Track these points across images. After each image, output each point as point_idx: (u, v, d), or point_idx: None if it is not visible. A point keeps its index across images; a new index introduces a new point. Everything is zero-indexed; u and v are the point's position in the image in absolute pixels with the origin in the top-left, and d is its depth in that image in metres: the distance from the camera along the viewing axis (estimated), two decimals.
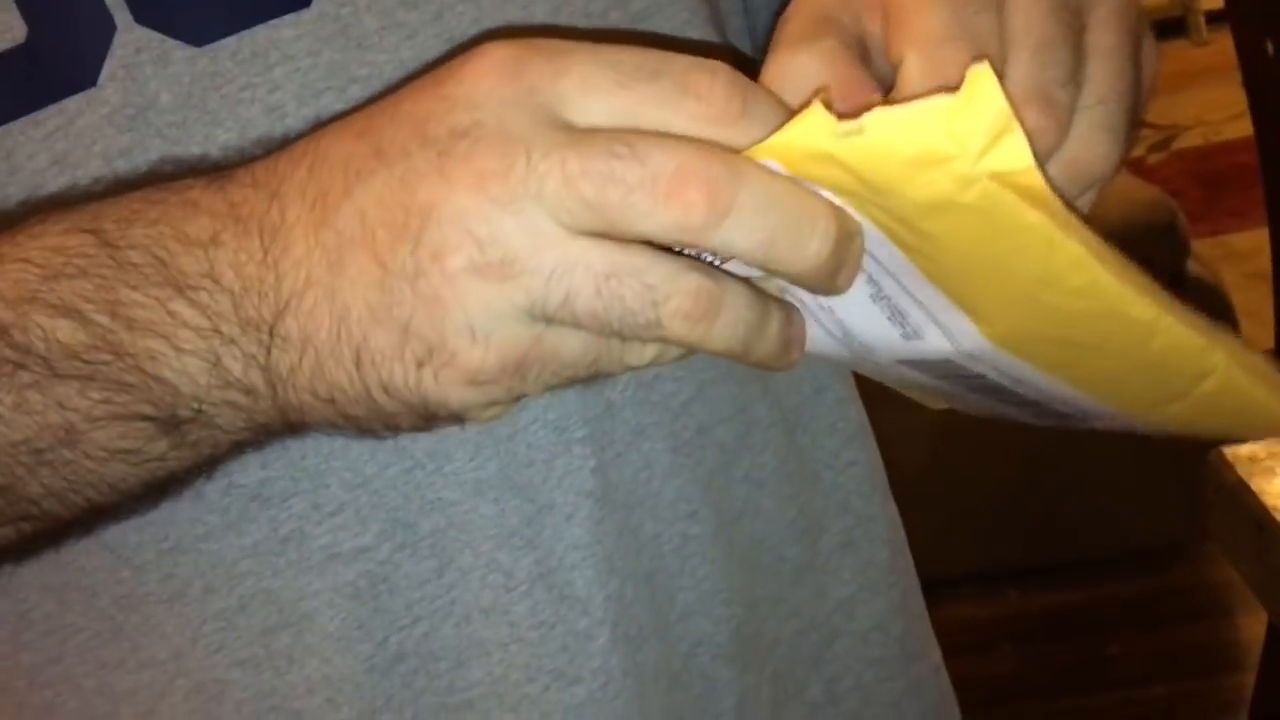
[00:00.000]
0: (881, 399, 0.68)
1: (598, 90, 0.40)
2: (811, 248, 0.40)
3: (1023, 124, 0.37)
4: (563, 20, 0.54)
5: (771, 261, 0.40)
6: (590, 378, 0.43)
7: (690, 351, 0.43)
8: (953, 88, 0.37)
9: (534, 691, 0.55)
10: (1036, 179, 0.37)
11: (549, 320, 0.41)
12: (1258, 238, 1.99)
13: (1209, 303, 2.27)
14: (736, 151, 0.40)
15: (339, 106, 0.51)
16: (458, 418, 0.43)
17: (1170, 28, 5.30)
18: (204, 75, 0.50)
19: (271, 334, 0.42)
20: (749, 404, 0.60)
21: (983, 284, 0.41)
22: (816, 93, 0.41)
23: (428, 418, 0.43)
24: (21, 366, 0.43)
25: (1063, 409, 0.48)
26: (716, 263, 0.42)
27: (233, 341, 0.43)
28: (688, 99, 0.40)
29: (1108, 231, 0.41)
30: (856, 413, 0.66)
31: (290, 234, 0.42)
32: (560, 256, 0.40)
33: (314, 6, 0.51)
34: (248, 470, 0.52)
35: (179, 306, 0.43)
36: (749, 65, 0.43)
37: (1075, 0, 0.44)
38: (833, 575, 0.64)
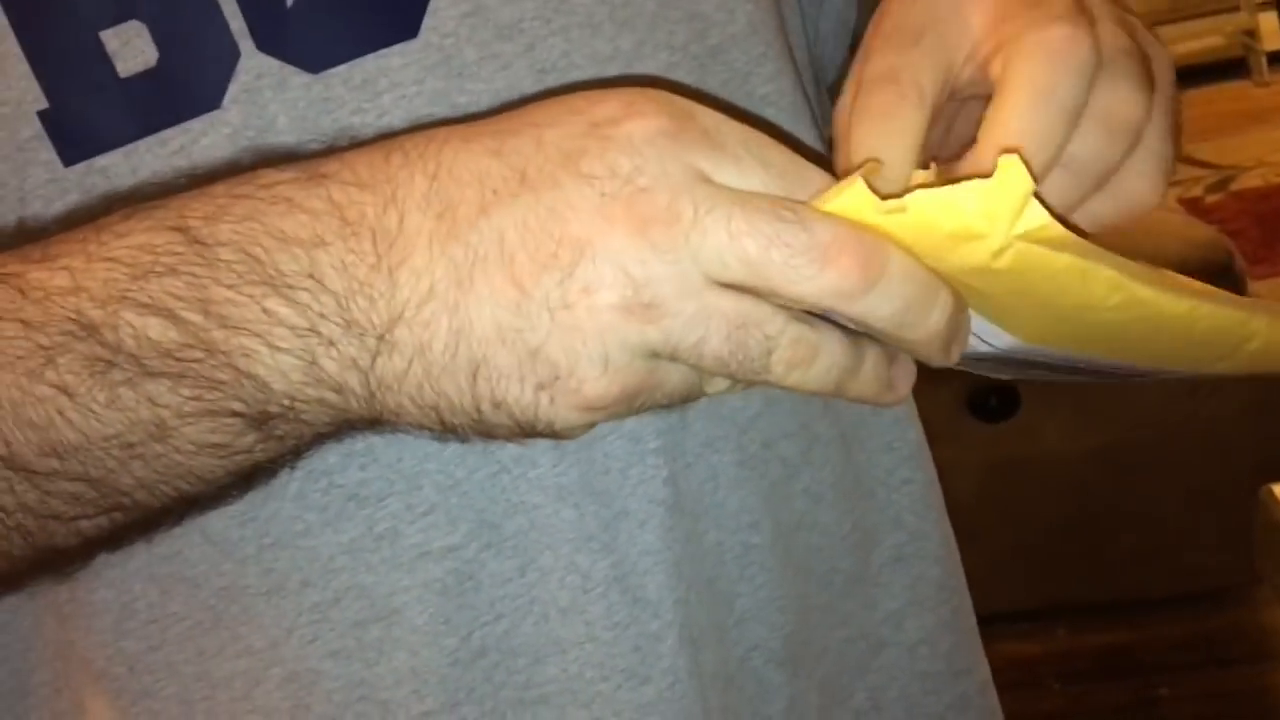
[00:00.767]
0: (932, 435, 0.70)
1: (746, 176, 0.43)
2: (934, 317, 0.43)
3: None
4: (646, 51, 0.56)
5: (902, 328, 0.43)
6: (676, 405, 0.46)
7: (784, 390, 0.45)
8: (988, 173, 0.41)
9: (607, 690, 0.58)
10: (1057, 229, 0.41)
11: (672, 358, 0.43)
12: None
13: None
14: None
15: None
16: (556, 435, 0.45)
17: (1231, 68, 5.27)
18: (318, 100, 0.53)
19: (380, 339, 0.43)
20: (810, 421, 0.63)
21: (1033, 320, 0.46)
22: (863, 166, 0.44)
23: (528, 434, 0.45)
24: (113, 364, 0.44)
25: (1119, 370, 0.52)
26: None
27: (332, 343, 0.43)
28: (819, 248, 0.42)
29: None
30: (915, 433, 0.68)
31: (411, 243, 0.43)
32: (700, 304, 0.42)
33: (420, 37, 0.53)
34: (347, 471, 0.55)
35: (275, 305, 0.43)
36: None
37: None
38: (883, 588, 0.66)
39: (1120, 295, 0.43)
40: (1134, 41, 0.49)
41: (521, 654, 0.57)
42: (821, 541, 0.64)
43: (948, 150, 0.51)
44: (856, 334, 0.45)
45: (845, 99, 0.49)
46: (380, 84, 0.53)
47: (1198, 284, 0.45)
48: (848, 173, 0.45)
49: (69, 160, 0.52)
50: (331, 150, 0.47)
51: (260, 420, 0.45)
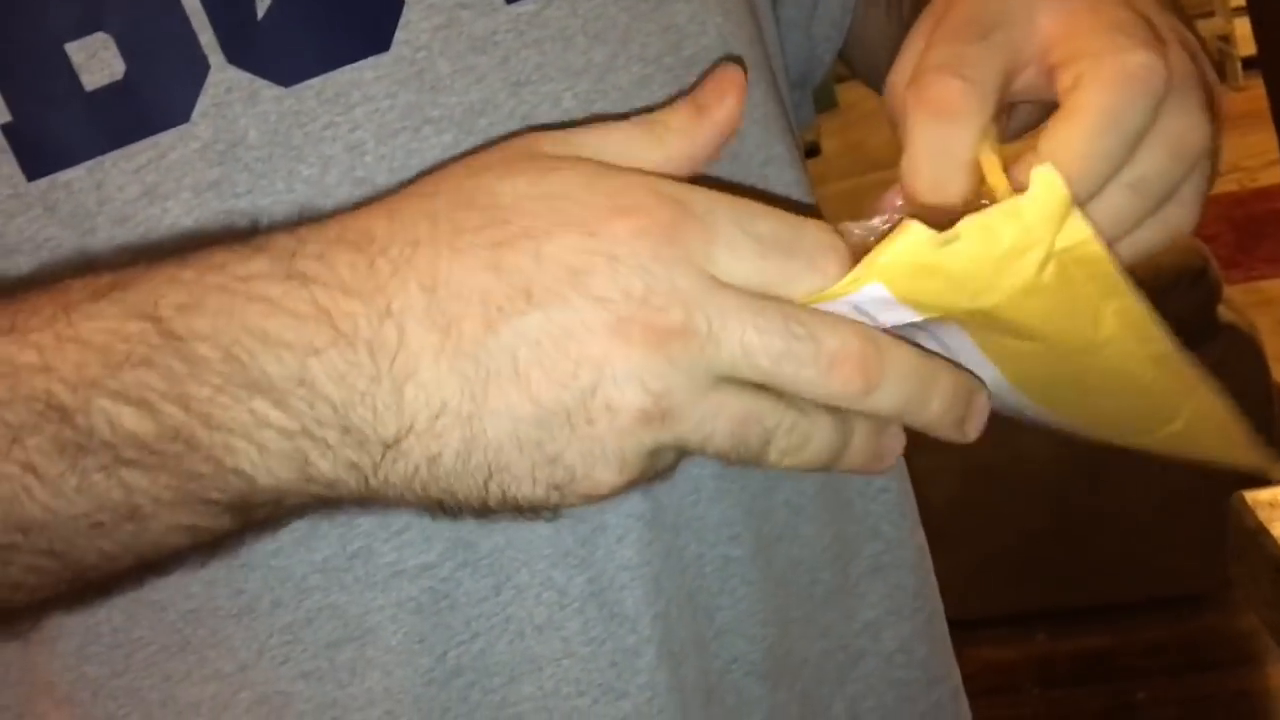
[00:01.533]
0: (909, 441, 0.69)
1: (742, 259, 0.44)
2: (934, 405, 0.46)
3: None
4: (620, 63, 0.56)
5: (906, 417, 0.46)
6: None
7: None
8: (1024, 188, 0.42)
9: (583, 705, 0.57)
10: (1099, 249, 0.42)
11: (675, 450, 0.45)
12: None
13: (1241, 349, 2.26)
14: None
15: (414, 145, 0.53)
16: (554, 516, 0.46)
17: None
18: (290, 114, 0.52)
19: (388, 448, 0.44)
20: None
21: (1026, 355, 0.47)
22: (904, 216, 0.45)
23: (527, 516, 0.46)
24: (85, 450, 0.44)
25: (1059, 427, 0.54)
26: None
27: (329, 446, 0.44)
28: (815, 275, 0.45)
29: (1138, 277, 0.44)
30: None
31: (416, 357, 0.43)
32: (708, 405, 0.44)
33: (393, 50, 0.53)
34: None
35: (263, 407, 0.43)
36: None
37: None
38: (861, 599, 0.66)
39: (1114, 348, 0.45)
40: (1198, 67, 0.50)
41: (497, 672, 0.57)
42: (802, 553, 0.64)
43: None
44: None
45: (899, 77, 0.49)
46: (353, 97, 0.53)
47: (1177, 358, 0.47)
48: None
49: (32, 175, 0.51)
50: (297, 225, 0.46)
51: (240, 507, 0.45)
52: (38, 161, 0.51)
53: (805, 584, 0.64)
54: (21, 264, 0.52)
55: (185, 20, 0.51)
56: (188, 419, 0.43)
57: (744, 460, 0.46)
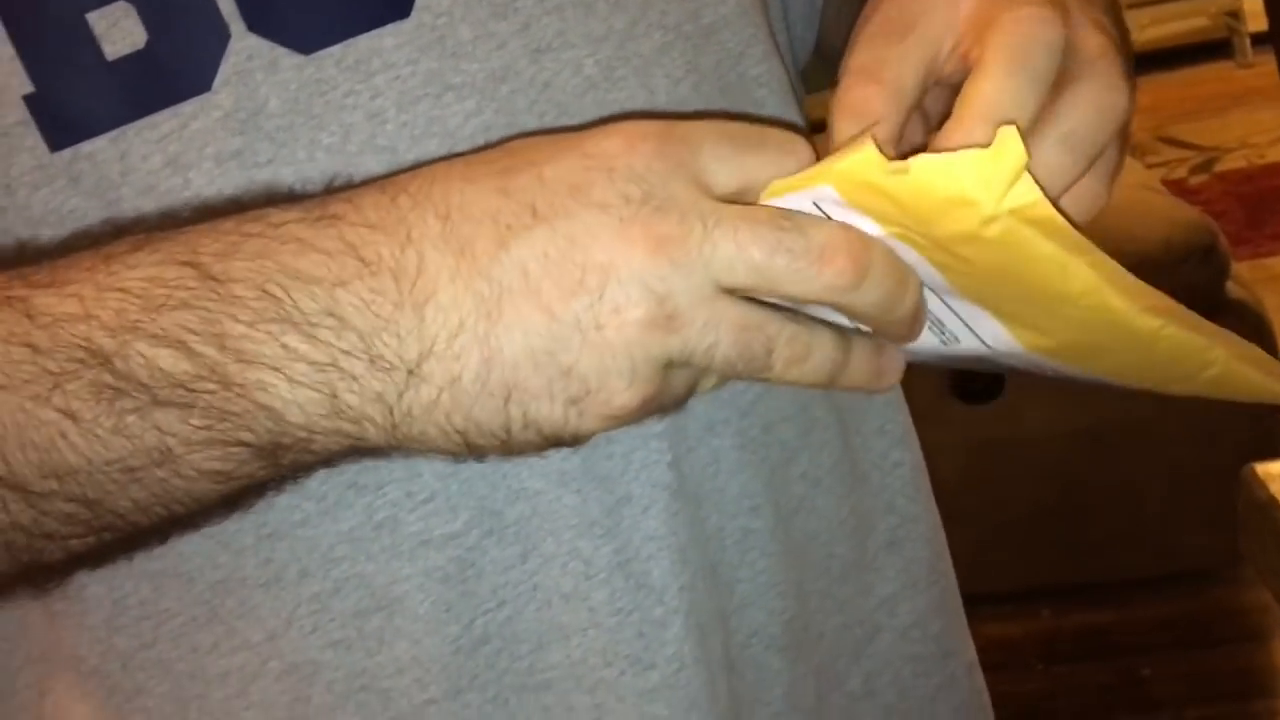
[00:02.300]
0: (916, 417, 0.70)
1: (724, 160, 0.46)
2: (907, 302, 0.47)
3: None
4: (640, 31, 0.57)
5: (884, 313, 0.47)
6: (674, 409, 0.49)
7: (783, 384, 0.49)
8: (985, 144, 0.43)
9: (610, 676, 0.58)
10: (1047, 209, 0.43)
11: (685, 364, 0.46)
12: None
13: (1249, 325, 2.26)
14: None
15: (436, 112, 0.54)
16: (575, 443, 0.47)
17: (1215, 49, 5.27)
18: (310, 82, 0.52)
19: (410, 374, 0.45)
20: (809, 404, 0.63)
21: (1011, 299, 0.48)
22: (870, 128, 0.47)
23: (552, 446, 0.47)
24: (122, 392, 0.45)
25: (1091, 380, 0.54)
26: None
27: (355, 378, 0.45)
28: (788, 157, 0.47)
29: (1147, 252, 0.44)
30: (904, 417, 0.69)
31: (434, 280, 0.45)
32: (711, 311, 0.45)
33: (413, 17, 0.53)
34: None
35: (294, 341, 0.45)
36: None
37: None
38: (878, 573, 0.67)
39: (1093, 299, 0.45)
40: (1111, 41, 0.51)
41: (524, 640, 0.57)
42: (819, 527, 0.64)
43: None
44: (842, 329, 0.49)
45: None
46: (373, 64, 0.53)
47: (1170, 302, 0.47)
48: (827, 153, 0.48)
49: (56, 145, 0.52)
50: (330, 190, 0.48)
51: (269, 450, 0.46)
52: (61, 132, 0.52)
53: (823, 557, 0.64)
54: (46, 236, 0.53)
55: None
56: (222, 357, 0.45)
57: (750, 372, 0.47)
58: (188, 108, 0.52)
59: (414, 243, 0.45)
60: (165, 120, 0.52)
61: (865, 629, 0.67)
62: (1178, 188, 3.95)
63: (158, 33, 0.51)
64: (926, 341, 0.51)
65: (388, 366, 0.45)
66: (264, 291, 0.45)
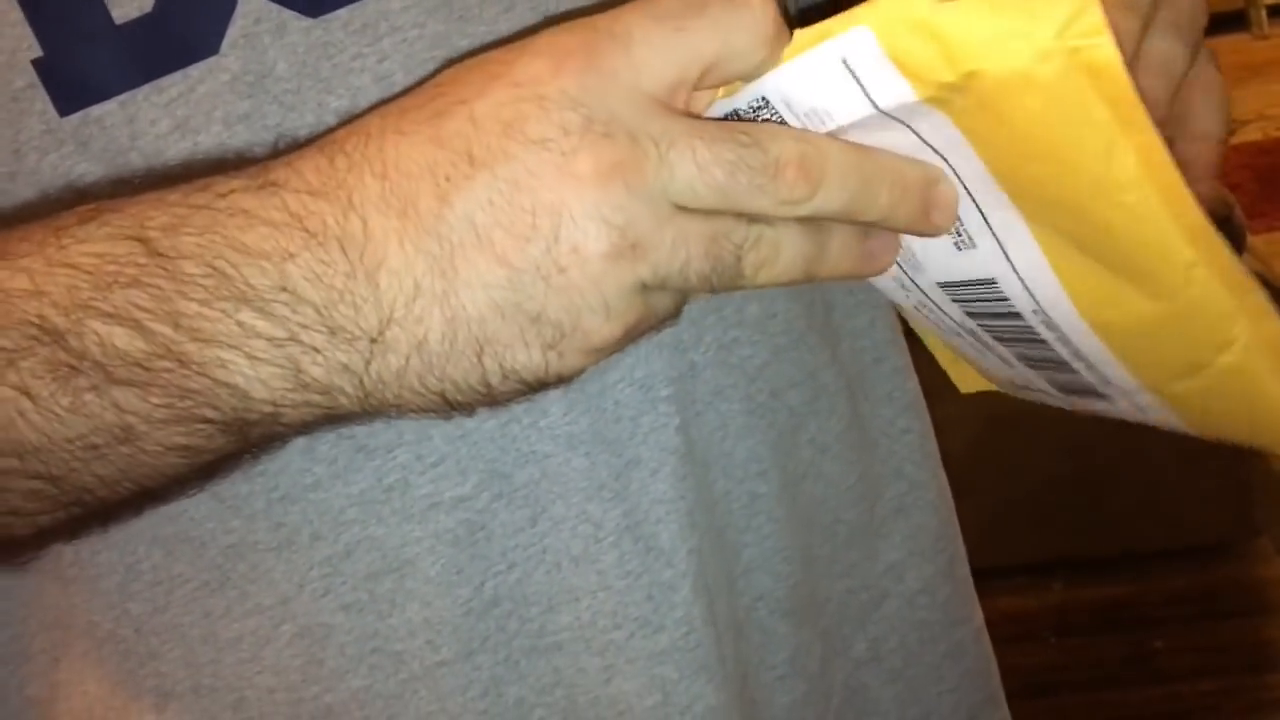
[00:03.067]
0: (929, 390, 0.70)
1: (662, 46, 0.43)
2: (882, 198, 0.45)
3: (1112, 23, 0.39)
4: None
5: (857, 215, 0.45)
6: (663, 326, 0.47)
7: (761, 287, 0.47)
8: None
9: (620, 638, 0.58)
10: (1111, 51, 0.38)
11: (661, 287, 0.44)
12: None
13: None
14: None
15: None
16: (564, 382, 0.45)
17: (1230, 21, 5.23)
18: (318, 45, 0.52)
19: (373, 343, 0.44)
20: (818, 370, 0.63)
21: (1042, 187, 0.43)
22: None
23: (538, 390, 0.45)
24: (78, 370, 0.44)
25: (1084, 376, 0.50)
26: None
27: (317, 350, 0.44)
28: (735, 16, 0.44)
29: None
30: (912, 384, 0.69)
31: (382, 245, 0.43)
32: (676, 230, 0.43)
33: None
34: None
35: (249, 318, 0.43)
36: None
37: None
38: (885, 539, 0.67)
39: (1132, 195, 0.41)
40: None
41: (534, 603, 0.58)
42: (826, 492, 0.64)
43: None
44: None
45: None
46: (380, 28, 0.53)
47: (1212, 232, 0.42)
48: None
49: (65, 110, 0.51)
50: (276, 153, 0.47)
51: (235, 426, 0.45)
52: (70, 97, 0.51)
53: (829, 523, 0.65)
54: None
55: None
56: (177, 335, 0.44)
57: (726, 283, 0.45)
58: (196, 71, 0.51)
59: (356, 208, 0.43)
60: (173, 84, 0.51)
61: (872, 595, 0.67)
62: None
63: None
64: (937, 243, 0.48)
65: (350, 337, 0.44)
66: (213, 269, 0.43)
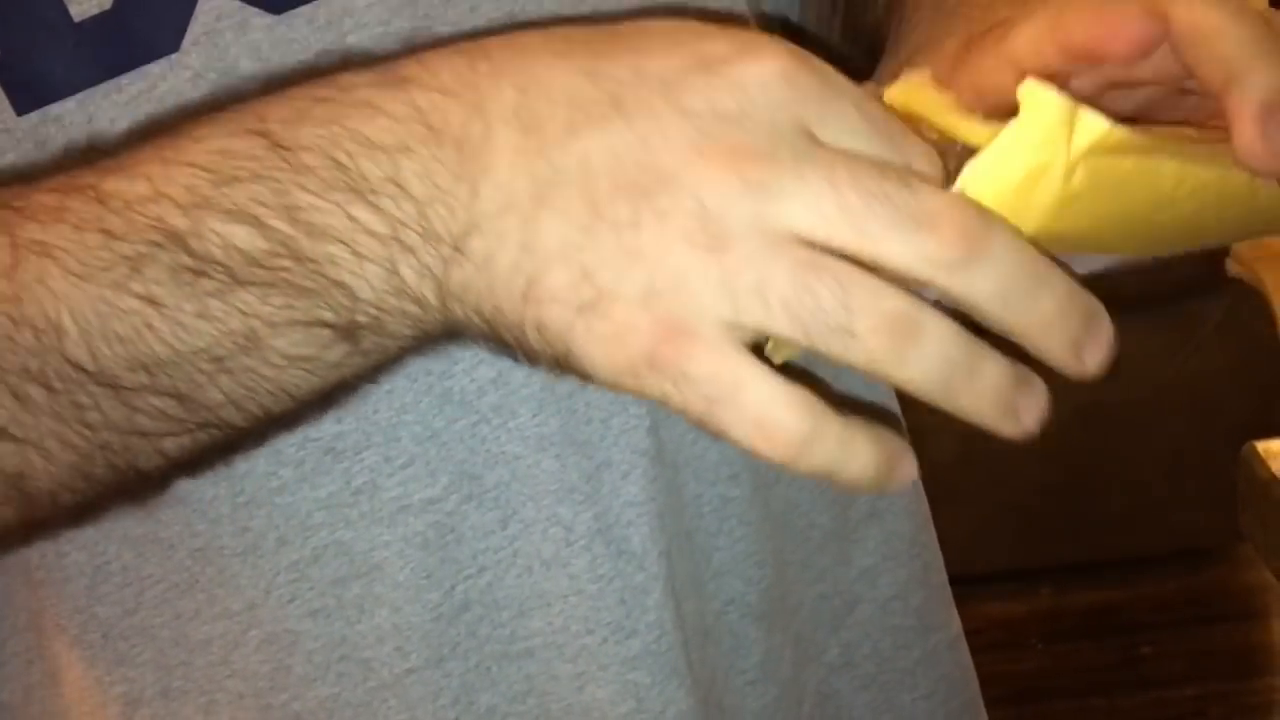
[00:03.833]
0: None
1: (849, 131, 0.41)
2: (1044, 302, 0.40)
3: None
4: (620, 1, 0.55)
5: (1007, 309, 0.40)
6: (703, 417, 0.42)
7: (879, 379, 0.41)
8: (1008, 115, 0.41)
9: (592, 644, 0.57)
10: (1117, 132, 0.41)
11: (734, 314, 0.40)
12: None
13: (1248, 303, 2.25)
14: None
15: None
16: (588, 376, 0.43)
17: None
18: (282, 41, 0.52)
19: (455, 248, 0.42)
20: None
21: (1109, 239, 0.46)
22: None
23: (563, 367, 0.43)
24: (201, 274, 0.43)
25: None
26: None
27: (411, 250, 0.43)
28: (916, 163, 0.42)
29: None
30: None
31: (495, 155, 0.42)
32: (770, 242, 0.40)
33: None
34: (322, 424, 0.54)
35: (360, 211, 0.42)
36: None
37: None
38: (858, 544, 0.67)
39: (1188, 184, 0.44)
40: None
41: (505, 607, 0.57)
42: (799, 496, 0.64)
43: None
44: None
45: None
46: (345, 25, 0.52)
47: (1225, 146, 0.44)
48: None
49: (21, 109, 0.51)
50: (411, 50, 0.46)
51: (348, 330, 0.44)
52: (27, 95, 0.51)
53: (802, 527, 0.64)
54: None
55: None
56: (293, 231, 0.43)
57: (823, 336, 0.39)
58: (156, 68, 0.51)
59: (483, 114, 0.42)
60: (133, 82, 0.51)
61: (845, 599, 0.66)
62: None
63: None
64: None
65: (437, 239, 0.42)
66: (332, 159, 0.43)
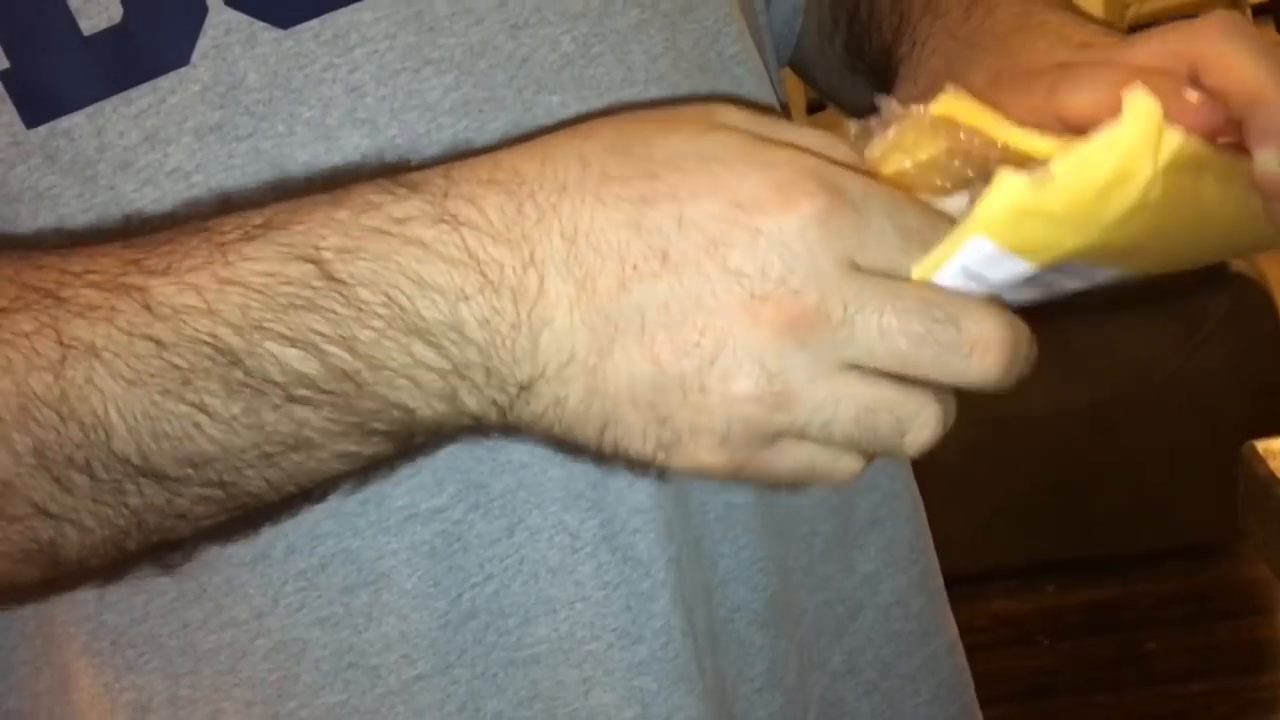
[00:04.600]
0: None
1: (886, 248, 0.45)
2: (1019, 368, 0.46)
3: None
4: (617, 7, 0.56)
5: (999, 385, 0.46)
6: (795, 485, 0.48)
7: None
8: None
9: (598, 649, 0.58)
10: (1194, 143, 0.43)
11: (799, 437, 0.45)
12: None
13: (1252, 298, 2.25)
14: None
15: (415, 86, 0.53)
16: (663, 475, 0.49)
17: None
18: (289, 56, 0.52)
19: (521, 389, 0.46)
20: None
21: (1163, 245, 0.48)
22: (895, 111, 0.47)
23: (641, 471, 0.48)
24: (257, 391, 0.46)
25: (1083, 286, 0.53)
26: None
27: (476, 387, 0.46)
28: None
29: None
30: None
31: (553, 307, 0.45)
32: (830, 389, 0.44)
33: None
34: None
35: (420, 350, 0.45)
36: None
37: None
38: (860, 551, 0.67)
39: (1221, 204, 0.46)
40: None
41: (512, 614, 0.57)
42: (802, 503, 0.64)
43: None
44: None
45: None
46: (351, 39, 0.53)
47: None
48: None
49: (31, 122, 0.51)
50: (447, 169, 0.47)
51: (403, 436, 0.48)
52: (37, 109, 0.51)
53: (805, 534, 0.64)
54: (22, 213, 0.53)
55: None
56: (354, 361, 0.45)
57: (878, 451, 0.46)
58: (165, 82, 0.52)
59: (536, 264, 0.45)
60: (142, 95, 0.51)
61: (848, 606, 0.67)
62: None
63: (134, 7, 0.51)
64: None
65: (502, 381, 0.46)
66: (389, 299, 0.45)
